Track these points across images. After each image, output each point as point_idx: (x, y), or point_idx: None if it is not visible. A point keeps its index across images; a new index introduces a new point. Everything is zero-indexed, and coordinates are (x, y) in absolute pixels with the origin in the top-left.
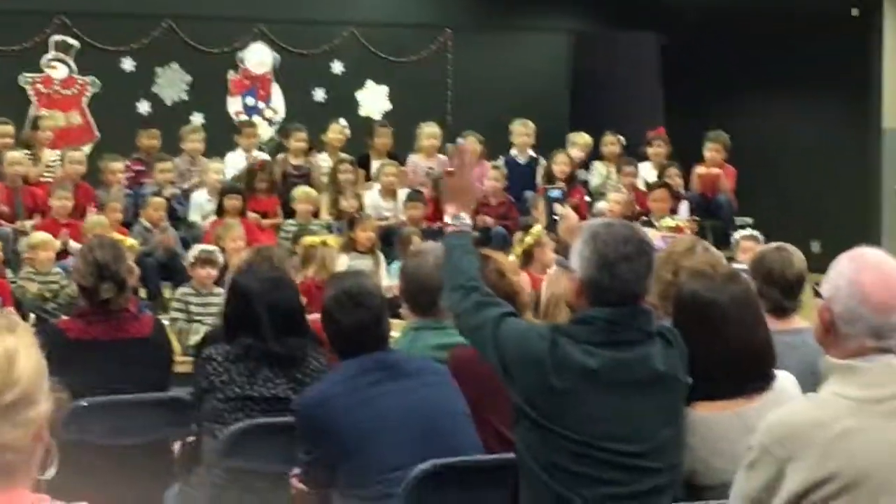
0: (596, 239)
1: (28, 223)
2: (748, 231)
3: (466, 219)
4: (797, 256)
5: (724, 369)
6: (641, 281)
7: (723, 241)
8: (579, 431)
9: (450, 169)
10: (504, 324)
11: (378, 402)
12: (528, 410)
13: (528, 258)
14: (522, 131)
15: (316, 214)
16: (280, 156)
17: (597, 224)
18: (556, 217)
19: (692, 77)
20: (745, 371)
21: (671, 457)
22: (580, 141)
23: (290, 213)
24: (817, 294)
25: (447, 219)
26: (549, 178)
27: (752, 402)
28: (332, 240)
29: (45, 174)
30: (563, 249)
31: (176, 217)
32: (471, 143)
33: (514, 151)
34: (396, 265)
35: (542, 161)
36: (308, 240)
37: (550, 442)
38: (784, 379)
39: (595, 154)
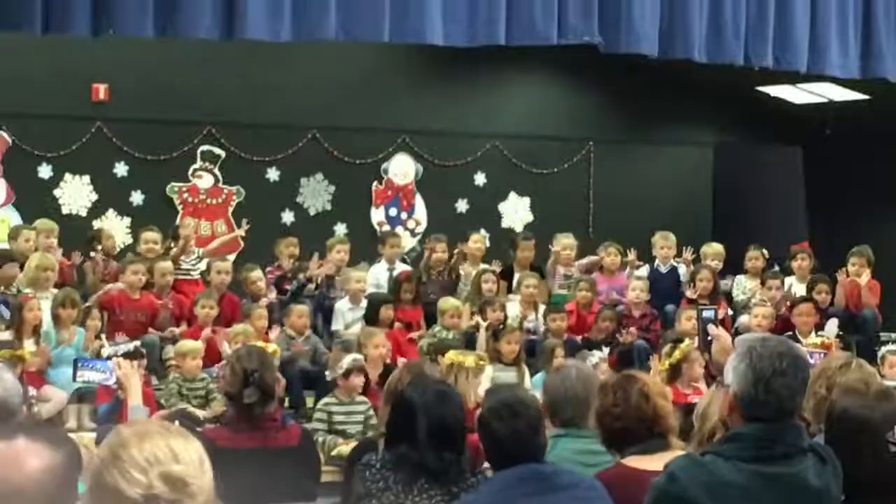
0: (752, 354)
1: (177, 329)
2: (895, 346)
3: None
4: None
5: (875, 487)
6: (796, 396)
7: (868, 356)
8: None
9: None
10: None
11: None
12: None
13: (675, 372)
14: (663, 243)
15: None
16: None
17: (752, 339)
18: (709, 338)
19: (836, 190)
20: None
21: None
22: (711, 252)
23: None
24: None
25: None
26: (696, 295)
27: None
28: (471, 359)
29: (190, 276)
30: (717, 370)
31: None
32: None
33: (656, 263)
34: (538, 377)
35: (682, 269)
36: (449, 357)
37: None
38: None
39: (738, 267)
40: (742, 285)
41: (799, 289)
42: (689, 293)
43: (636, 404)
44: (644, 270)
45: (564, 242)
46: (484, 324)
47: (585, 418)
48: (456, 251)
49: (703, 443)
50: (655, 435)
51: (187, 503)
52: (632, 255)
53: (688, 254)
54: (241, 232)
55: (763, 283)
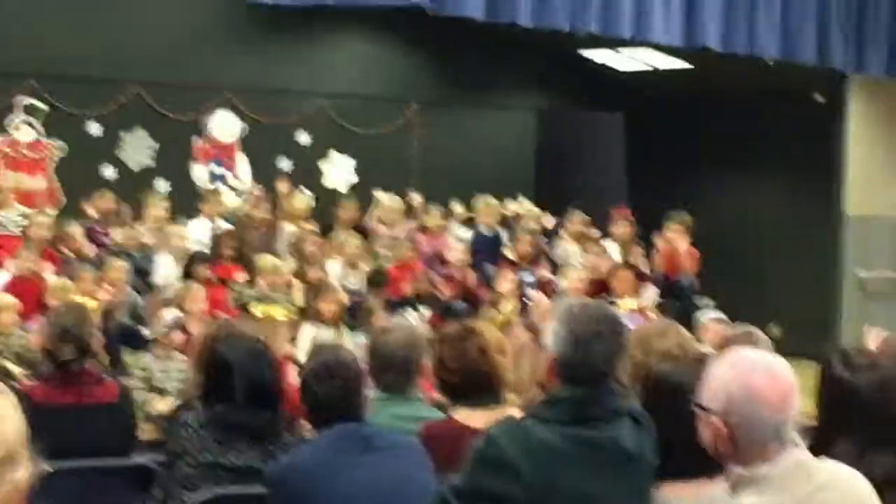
0: (570, 318)
1: None
2: (714, 313)
3: None
4: (764, 341)
5: (690, 450)
6: (613, 360)
7: (685, 322)
8: None
9: None
10: (459, 479)
11: (349, 474)
12: None
13: None
14: (484, 206)
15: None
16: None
17: (571, 303)
18: (527, 301)
19: (656, 156)
20: (709, 454)
21: None
22: (529, 213)
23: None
24: (701, 408)
25: None
26: (517, 257)
27: (715, 482)
28: (280, 312)
29: (8, 231)
30: (535, 333)
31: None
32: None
33: (479, 225)
34: (360, 337)
35: (503, 233)
36: (260, 309)
37: None
38: None
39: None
40: (563, 248)
41: (616, 254)
42: (509, 254)
43: (473, 358)
44: (464, 232)
45: (388, 204)
46: (296, 283)
47: (411, 381)
48: (279, 210)
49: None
50: (489, 390)
51: None
52: (460, 209)
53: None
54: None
55: (584, 249)
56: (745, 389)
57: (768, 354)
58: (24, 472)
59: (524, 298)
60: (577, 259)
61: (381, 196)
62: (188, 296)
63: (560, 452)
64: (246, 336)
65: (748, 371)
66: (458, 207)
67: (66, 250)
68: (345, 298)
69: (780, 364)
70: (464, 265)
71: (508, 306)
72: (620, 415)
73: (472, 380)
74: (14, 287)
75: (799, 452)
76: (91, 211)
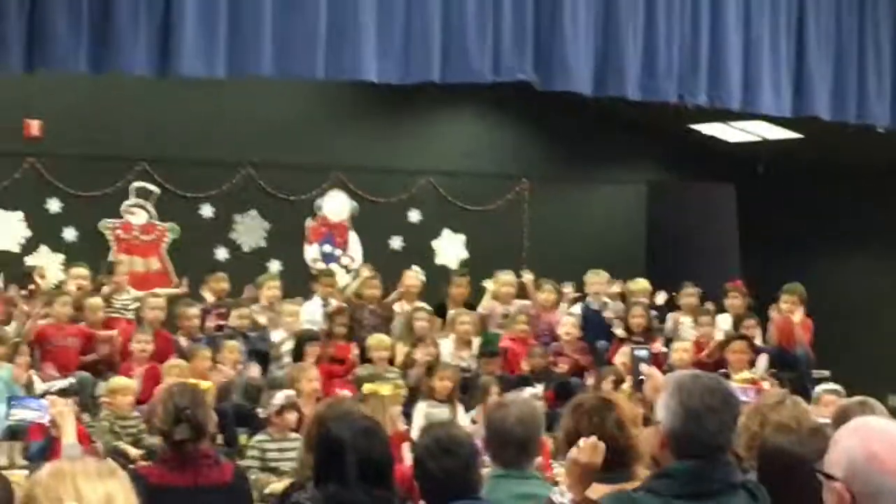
0: (682, 390)
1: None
2: (830, 385)
3: (567, 500)
4: (880, 410)
5: None
6: (726, 432)
7: (801, 394)
8: None
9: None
10: None
11: None
12: None
13: None
14: (595, 280)
15: (391, 362)
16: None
17: (683, 375)
18: (642, 378)
19: (769, 228)
20: None
21: None
22: (637, 288)
23: (366, 360)
24: (825, 476)
25: (553, 496)
26: (628, 331)
27: None
28: (387, 388)
29: (119, 314)
30: (649, 409)
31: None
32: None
33: (588, 300)
34: (474, 414)
35: (612, 306)
36: (367, 387)
37: None
38: None
39: (673, 305)
40: (676, 322)
41: (730, 326)
42: (618, 332)
43: (610, 433)
44: (577, 308)
45: (503, 279)
46: (421, 358)
47: (529, 458)
48: (397, 291)
49: None
50: (623, 465)
51: None
52: (568, 288)
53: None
54: (179, 291)
55: (696, 321)
56: (868, 456)
57: (891, 422)
58: None
59: (640, 375)
60: (689, 332)
61: (496, 274)
62: (301, 376)
63: None
64: (357, 414)
65: (870, 437)
66: (567, 287)
67: (181, 332)
68: (458, 375)
69: None
70: (574, 339)
71: (627, 381)
72: (735, 487)
73: (609, 454)
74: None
75: None
76: (207, 294)
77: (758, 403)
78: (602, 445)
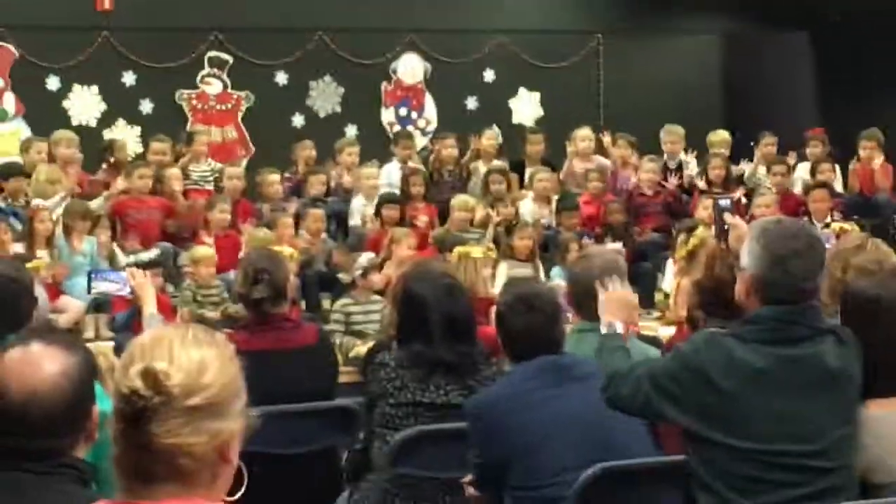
0: (766, 235)
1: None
2: None
3: (619, 328)
4: None
5: (892, 366)
6: (813, 277)
7: (884, 240)
8: (752, 435)
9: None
10: (656, 367)
11: (549, 405)
12: (699, 429)
13: (692, 260)
14: (670, 137)
15: (472, 222)
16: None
17: (766, 221)
18: (726, 227)
19: (846, 73)
20: None
21: (846, 456)
22: (717, 139)
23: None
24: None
25: (602, 328)
26: (709, 183)
27: None
28: (478, 251)
29: (198, 186)
30: (735, 258)
31: (338, 225)
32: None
33: (665, 157)
34: (555, 271)
35: (690, 161)
36: (459, 250)
37: (723, 452)
38: None
39: (749, 155)
40: (755, 172)
41: (809, 175)
42: (700, 184)
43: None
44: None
45: (581, 135)
46: (496, 217)
47: None
48: (470, 150)
49: None
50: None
51: (175, 403)
52: (634, 158)
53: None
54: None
55: (768, 170)
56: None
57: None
58: (232, 423)
59: (724, 225)
60: (765, 182)
61: (576, 131)
62: (402, 240)
63: (760, 371)
64: (439, 273)
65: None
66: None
67: (264, 200)
68: (538, 234)
69: None
70: (655, 183)
71: (704, 231)
72: (822, 333)
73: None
74: (214, 240)
75: None
76: (298, 162)
77: (838, 248)
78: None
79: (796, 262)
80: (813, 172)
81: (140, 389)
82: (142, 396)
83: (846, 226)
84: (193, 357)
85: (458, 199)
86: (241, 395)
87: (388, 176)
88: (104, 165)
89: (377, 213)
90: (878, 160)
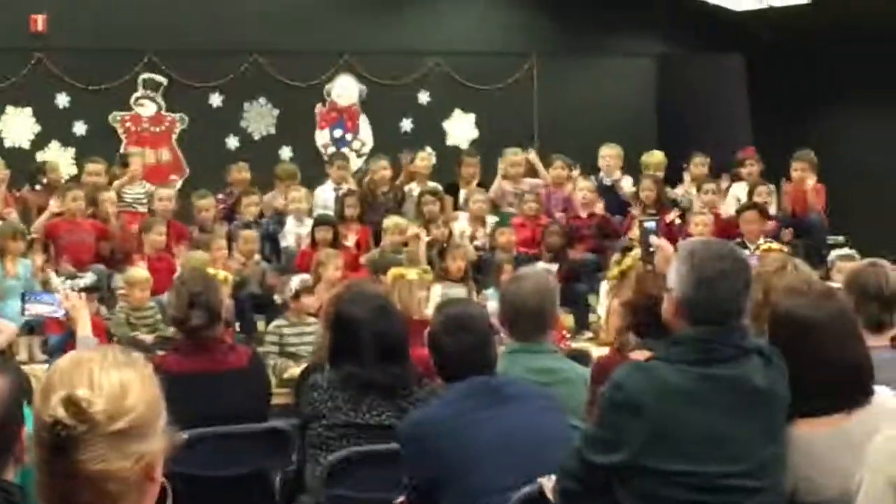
0: (692, 257)
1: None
2: (844, 251)
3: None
4: (892, 271)
5: (823, 385)
6: (739, 299)
7: (816, 261)
8: (682, 457)
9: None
10: (583, 434)
11: (481, 426)
12: (633, 461)
13: (623, 281)
14: (608, 153)
15: (405, 244)
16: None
17: (693, 242)
18: (651, 249)
19: (779, 96)
20: (844, 386)
21: (775, 476)
22: (652, 161)
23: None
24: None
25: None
26: (641, 205)
27: (852, 417)
28: (413, 272)
29: (132, 208)
30: (662, 280)
31: (272, 247)
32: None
33: (601, 175)
34: (489, 292)
35: (627, 182)
36: (394, 272)
37: (654, 479)
38: (883, 394)
39: (681, 176)
40: (687, 192)
41: (745, 195)
42: (634, 210)
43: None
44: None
45: (511, 158)
46: (424, 237)
47: (544, 331)
48: (403, 171)
49: None
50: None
51: (99, 430)
52: (575, 172)
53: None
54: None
55: (699, 189)
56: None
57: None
58: (156, 443)
59: (649, 247)
60: (695, 204)
61: (504, 153)
62: (328, 262)
63: (686, 391)
64: (372, 294)
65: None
66: (575, 170)
67: (196, 222)
68: (472, 255)
69: None
70: (592, 203)
71: (636, 252)
72: (748, 352)
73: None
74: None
75: None
76: (230, 183)
77: (758, 270)
78: None
79: (721, 284)
80: (751, 193)
81: (63, 419)
82: (65, 426)
83: (773, 246)
84: (114, 380)
85: (390, 221)
86: (162, 413)
87: (322, 198)
88: (37, 187)
89: (312, 235)
90: (811, 181)
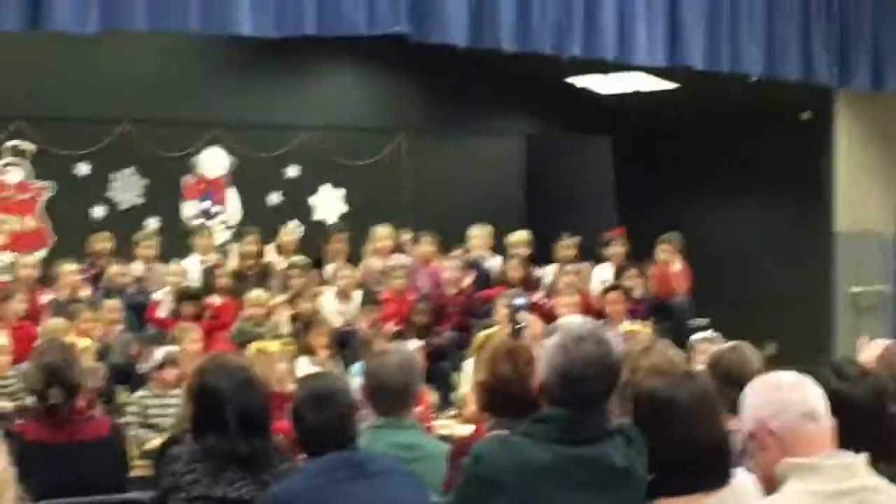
0: (559, 339)
1: None
2: (704, 334)
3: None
4: (753, 355)
5: (683, 466)
6: (601, 382)
7: (679, 343)
8: None
9: None
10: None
11: (343, 501)
12: None
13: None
14: (477, 233)
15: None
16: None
17: (561, 324)
18: (519, 325)
19: (645, 179)
20: (704, 467)
21: None
22: (516, 240)
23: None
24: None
25: None
26: (507, 284)
27: (711, 497)
28: (274, 345)
29: None
30: (528, 357)
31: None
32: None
33: (474, 254)
34: (355, 368)
35: (496, 261)
36: (255, 345)
37: None
38: (741, 476)
39: (549, 256)
40: (553, 274)
41: (611, 276)
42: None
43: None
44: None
45: (379, 234)
46: (286, 313)
47: (408, 407)
48: (270, 245)
49: None
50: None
51: None
52: (455, 252)
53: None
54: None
55: (562, 271)
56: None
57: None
58: None
59: (517, 323)
60: (561, 283)
61: (373, 230)
62: (184, 336)
63: (547, 468)
64: (236, 366)
65: (778, 386)
66: (455, 253)
67: (59, 291)
68: (334, 330)
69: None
70: (459, 281)
71: (493, 331)
72: (611, 434)
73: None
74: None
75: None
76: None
77: (625, 350)
78: None
79: (585, 367)
80: (619, 275)
81: None
82: None
83: (635, 327)
84: None
85: (252, 295)
86: (13, 482)
87: (188, 270)
88: None
89: (176, 307)
90: (676, 265)
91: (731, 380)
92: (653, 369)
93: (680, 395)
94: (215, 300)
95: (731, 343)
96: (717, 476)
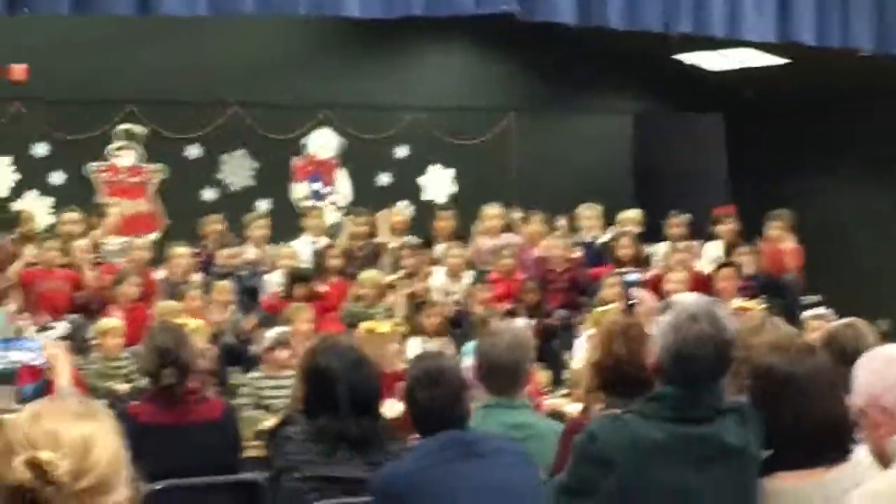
0: (670, 316)
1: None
2: (817, 310)
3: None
4: (869, 332)
5: (802, 441)
6: (716, 360)
7: (790, 321)
8: None
9: None
10: (563, 477)
11: (452, 481)
12: None
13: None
14: (587, 213)
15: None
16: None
17: (675, 301)
18: (632, 301)
19: (756, 156)
20: (824, 442)
21: None
22: (628, 218)
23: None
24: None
25: None
26: (617, 262)
27: (831, 472)
28: (385, 325)
29: (109, 260)
30: (641, 334)
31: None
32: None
33: (582, 233)
34: (467, 347)
35: (606, 236)
36: (365, 325)
37: None
38: (861, 452)
39: (658, 234)
40: (662, 253)
41: (721, 254)
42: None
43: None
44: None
45: (489, 213)
46: (403, 293)
47: (519, 387)
48: (381, 225)
49: None
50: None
51: (65, 489)
52: (562, 221)
53: None
54: None
55: (673, 248)
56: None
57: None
58: (122, 494)
59: (630, 300)
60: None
61: (483, 209)
62: (296, 316)
63: (658, 447)
64: (347, 346)
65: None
66: (561, 221)
67: (171, 273)
68: (447, 310)
69: None
70: (565, 260)
71: (600, 313)
72: (724, 413)
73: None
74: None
75: None
76: (207, 236)
77: (737, 328)
78: None
79: (698, 346)
80: (729, 252)
81: (27, 483)
82: (29, 489)
83: (746, 304)
84: (76, 436)
85: (366, 275)
86: (127, 463)
87: (298, 252)
88: (13, 236)
89: (288, 290)
90: (788, 242)
91: (846, 357)
92: (770, 345)
93: (798, 371)
94: (331, 279)
95: (846, 319)
96: (836, 451)
